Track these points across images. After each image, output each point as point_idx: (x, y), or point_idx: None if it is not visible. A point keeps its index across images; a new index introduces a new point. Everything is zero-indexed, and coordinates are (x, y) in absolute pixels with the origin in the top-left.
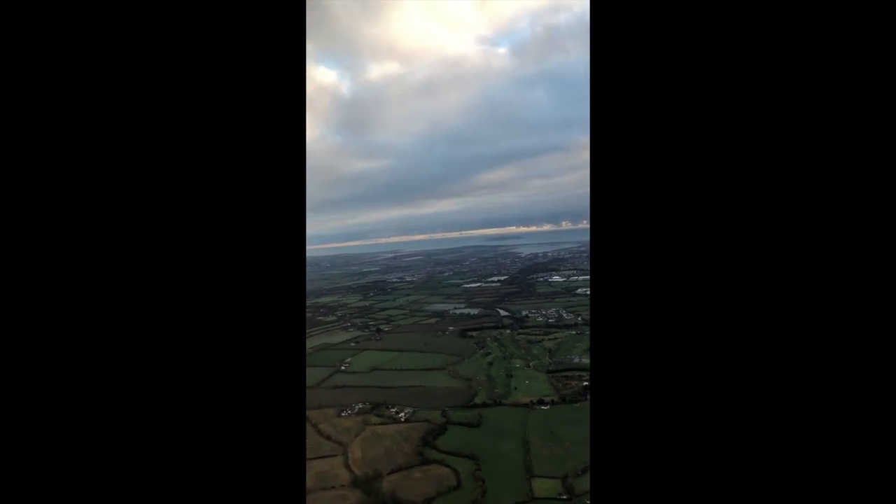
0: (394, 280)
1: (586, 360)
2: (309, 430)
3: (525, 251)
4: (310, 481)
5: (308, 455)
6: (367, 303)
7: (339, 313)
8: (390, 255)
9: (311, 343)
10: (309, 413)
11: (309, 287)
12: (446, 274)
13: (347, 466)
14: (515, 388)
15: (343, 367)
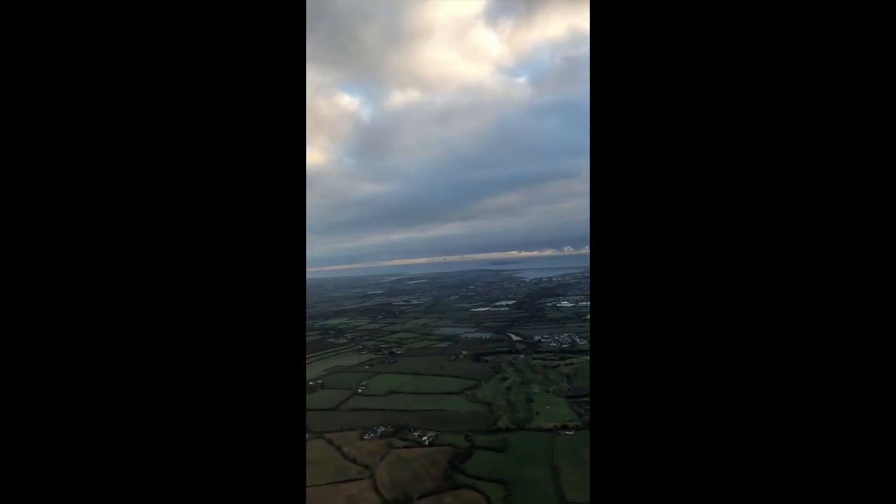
0: (400, 303)
1: None
2: (333, 452)
3: (529, 276)
4: None
5: (335, 478)
6: (376, 326)
7: (349, 336)
8: (393, 278)
9: (324, 365)
10: (331, 436)
11: (314, 310)
12: (452, 298)
13: (376, 490)
14: (537, 413)
15: (360, 390)
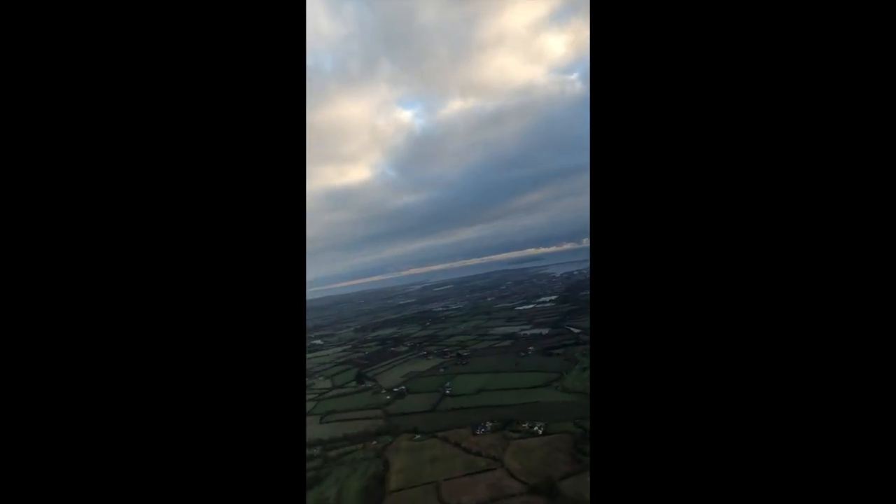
0: (438, 309)
1: None
2: (452, 448)
3: (557, 271)
4: (485, 492)
5: (468, 470)
6: (428, 332)
7: (407, 343)
8: (418, 287)
9: (398, 373)
10: (444, 434)
11: (358, 322)
12: (489, 299)
13: (514, 477)
14: None
15: (447, 391)
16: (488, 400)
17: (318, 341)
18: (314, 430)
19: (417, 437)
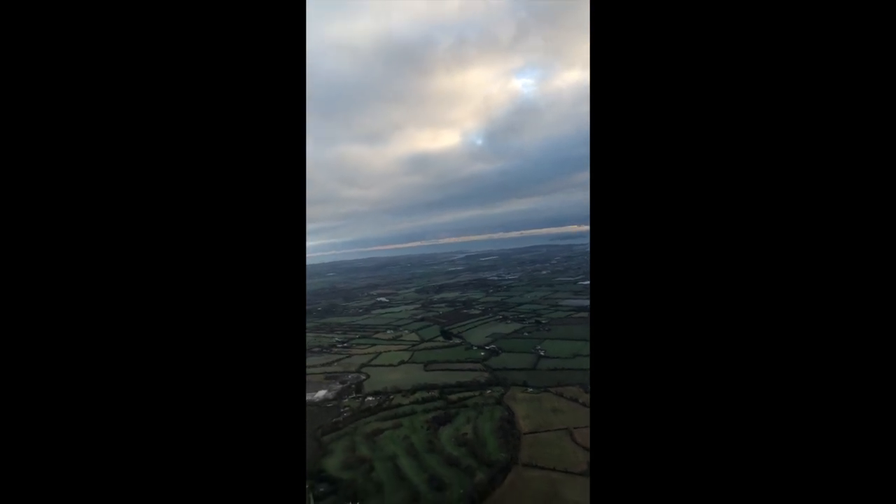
0: (493, 278)
1: None
2: (570, 403)
3: None
4: None
5: None
6: (494, 299)
7: (478, 307)
8: (462, 256)
9: (483, 332)
10: (557, 390)
11: (415, 284)
12: (544, 272)
13: None
14: None
15: (542, 353)
16: (586, 364)
17: (383, 299)
18: (422, 376)
19: (530, 390)
